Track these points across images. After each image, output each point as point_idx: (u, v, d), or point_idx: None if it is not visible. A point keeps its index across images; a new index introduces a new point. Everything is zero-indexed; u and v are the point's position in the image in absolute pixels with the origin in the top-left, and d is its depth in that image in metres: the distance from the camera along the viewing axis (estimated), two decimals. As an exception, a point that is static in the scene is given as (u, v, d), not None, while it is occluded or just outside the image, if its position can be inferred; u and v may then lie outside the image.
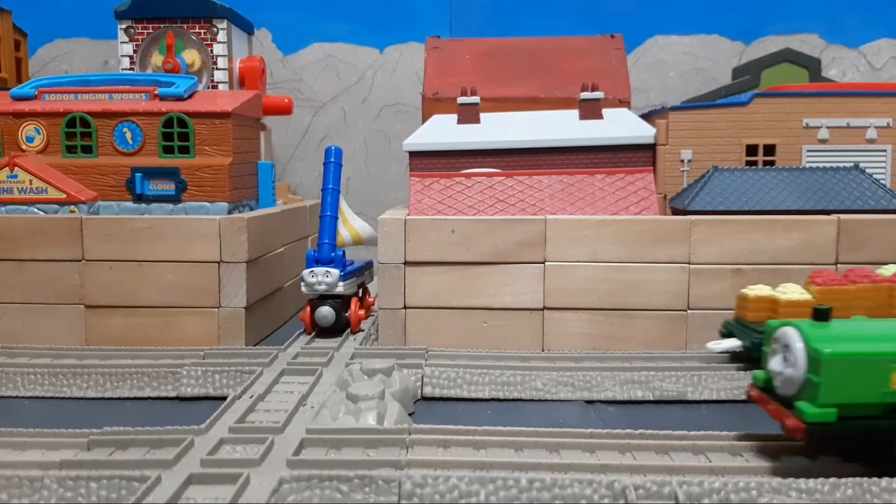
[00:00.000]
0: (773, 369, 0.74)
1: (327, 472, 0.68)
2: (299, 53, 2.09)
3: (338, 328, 1.23)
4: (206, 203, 1.26)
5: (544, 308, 1.16)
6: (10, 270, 1.19)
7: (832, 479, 0.67)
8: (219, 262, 1.18)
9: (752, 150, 1.36)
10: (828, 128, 1.36)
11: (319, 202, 1.32)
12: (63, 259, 1.18)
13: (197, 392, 1.01)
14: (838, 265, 1.13)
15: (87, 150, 1.28)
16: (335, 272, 1.22)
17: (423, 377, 1.01)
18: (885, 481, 0.67)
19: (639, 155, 1.37)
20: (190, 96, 1.32)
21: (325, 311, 1.21)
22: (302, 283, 1.23)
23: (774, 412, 0.74)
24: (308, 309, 1.24)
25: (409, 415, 0.92)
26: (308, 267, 1.24)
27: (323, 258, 1.25)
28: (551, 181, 1.25)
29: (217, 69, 1.59)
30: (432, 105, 1.52)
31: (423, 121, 1.51)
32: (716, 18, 2.04)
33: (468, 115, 1.43)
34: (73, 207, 1.22)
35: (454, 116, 1.45)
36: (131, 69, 1.58)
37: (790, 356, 0.72)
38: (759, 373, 0.78)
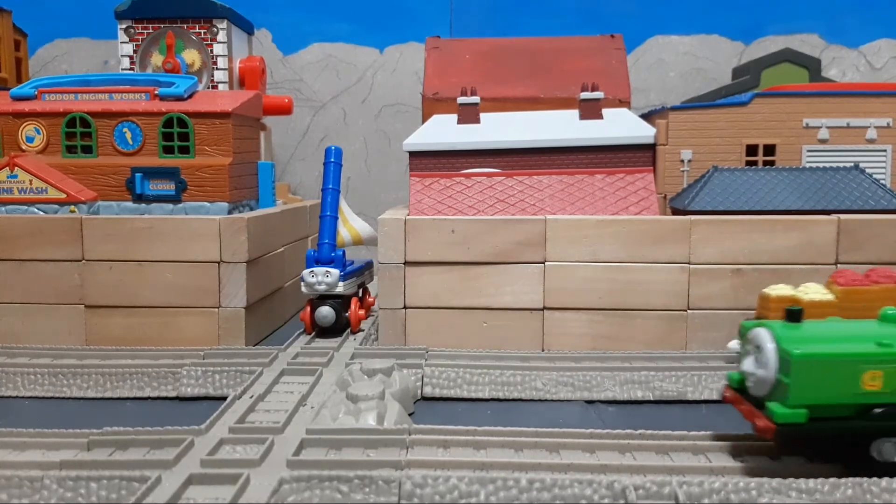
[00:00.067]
0: (746, 370, 0.74)
1: (327, 472, 0.68)
2: (299, 53, 2.09)
3: (338, 328, 1.23)
4: (206, 203, 1.26)
5: (544, 308, 1.16)
6: (10, 270, 1.19)
7: (832, 479, 0.67)
8: (219, 262, 1.18)
9: (752, 150, 1.36)
10: (828, 128, 1.36)
11: (319, 202, 1.32)
12: (63, 259, 1.18)
13: (197, 392, 1.01)
14: (838, 265, 1.13)
15: (87, 150, 1.28)
16: (335, 272, 1.22)
17: (423, 377, 1.01)
18: (885, 481, 0.67)
19: (639, 155, 1.37)
20: (190, 96, 1.32)
21: (325, 311, 1.21)
22: (302, 283, 1.23)
23: (747, 413, 0.74)
24: (308, 309, 1.24)
25: (409, 415, 0.92)
26: (308, 267, 1.24)
27: (323, 258, 1.25)
28: (551, 181, 1.25)
29: (217, 69, 1.58)
30: (432, 105, 1.52)
31: (423, 121, 1.51)
32: (716, 18, 2.04)
33: (468, 115, 1.43)
34: (73, 207, 1.22)
35: (454, 116, 1.45)
36: (131, 69, 1.58)
37: (762, 357, 0.72)
38: (733, 373, 0.78)
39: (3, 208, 1.23)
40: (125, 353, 1.10)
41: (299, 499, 0.67)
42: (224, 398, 0.94)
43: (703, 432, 0.79)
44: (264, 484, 0.68)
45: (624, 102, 1.49)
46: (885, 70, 2.02)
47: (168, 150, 1.27)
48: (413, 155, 1.41)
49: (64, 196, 1.22)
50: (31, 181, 1.22)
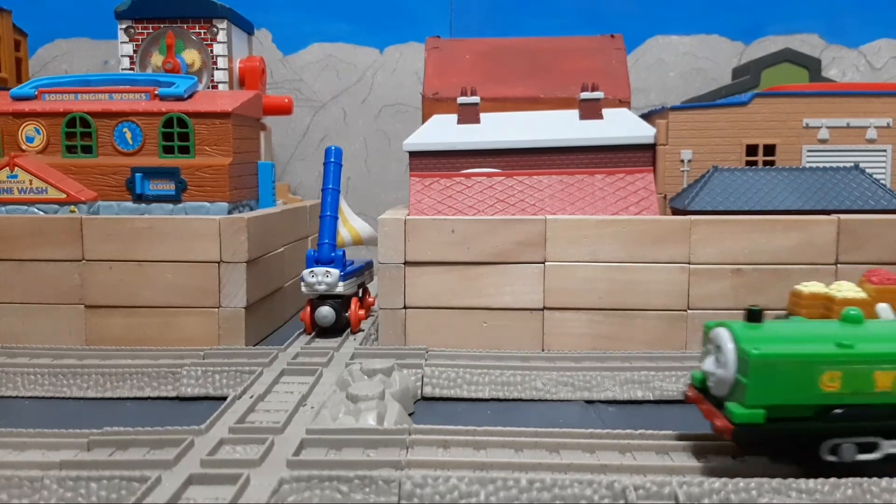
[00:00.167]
0: (707, 370, 0.74)
1: (327, 472, 0.68)
2: (299, 53, 2.09)
3: (338, 328, 1.23)
4: (206, 203, 1.26)
5: (544, 308, 1.16)
6: (10, 270, 1.19)
7: (832, 479, 0.67)
8: (219, 262, 1.18)
9: (752, 150, 1.36)
10: (828, 128, 1.36)
11: (319, 202, 1.32)
12: (63, 259, 1.18)
13: (197, 392, 1.01)
14: (838, 265, 1.13)
15: (87, 150, 1.28)
16: (335, 272, 1.22)
17: (423, 377, 1.01)
18: (885, 481, 0.67)
19: (639, 155, 1.37)
20: (190, 96, 1.32)
21: (325, 311, 1.21)
22: (302, 283, 1.23)
23: (707, 412, 0.74)
24: (308, 309, 1.24)
25: (409, 415, 0.92)
26: (308, 267, 1.24)
27: (323, 258, 1.25)
28: (551, 181, 1.25)
29: (217, 69, 1.58)
30: (432, 105, 1.52)
31: (423, 121, 1.51)
32: (716, 18, 2.04)
33: (468, 115, 1.43)
34: (73, 207, 1.22)
35: (454, 116, 1.45)
36: (131, 69, 1.58)
37: (721, 357, 0.72)
38: (696, 373, 0.78)
39: (3, 208, 1.23)
40: (125, 353, 1.10)
41: (299, 499, 0.67)
42: (224, 398, 0.94)
43: (703, 432, 0.79)
44: (264, 484, 0.68)
45: (624, 102, 1.49)
46: (885, 70, 2.02)
47: (168, 150, 1.27)
48: (413, 155, 1.41)
49: (64, 196, 1.22)
50: (31, 181, 1.22)
